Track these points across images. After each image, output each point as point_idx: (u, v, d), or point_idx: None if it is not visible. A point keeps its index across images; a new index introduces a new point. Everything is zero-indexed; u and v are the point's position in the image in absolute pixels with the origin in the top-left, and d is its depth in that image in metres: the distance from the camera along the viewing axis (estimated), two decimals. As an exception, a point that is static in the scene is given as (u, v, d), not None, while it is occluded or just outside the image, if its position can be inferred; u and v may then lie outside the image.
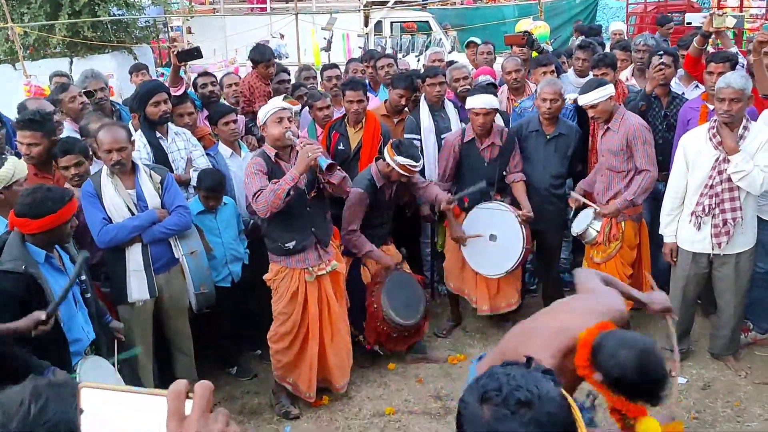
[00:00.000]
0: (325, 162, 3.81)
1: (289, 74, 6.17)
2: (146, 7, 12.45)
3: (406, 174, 4.37)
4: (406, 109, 5.31)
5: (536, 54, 5.72)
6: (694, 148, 4.09)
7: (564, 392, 1.28)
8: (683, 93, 5.01)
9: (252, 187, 3.79)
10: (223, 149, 4.73)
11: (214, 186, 4.34)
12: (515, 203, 4.77)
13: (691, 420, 3.95)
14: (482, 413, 1.25)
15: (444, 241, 5.22)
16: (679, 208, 4.24)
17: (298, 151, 3.79)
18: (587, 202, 4.67)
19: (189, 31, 11.30)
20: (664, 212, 4.32)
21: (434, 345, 4.99)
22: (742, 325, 4.62)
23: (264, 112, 3.89)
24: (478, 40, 7.48)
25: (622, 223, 4.49)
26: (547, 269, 5.37)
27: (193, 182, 4.39)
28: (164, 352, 4.17)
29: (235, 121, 4.72)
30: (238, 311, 4.53)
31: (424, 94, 5.23)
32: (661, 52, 4.91)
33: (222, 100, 5.39)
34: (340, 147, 4.87)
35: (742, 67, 4.95)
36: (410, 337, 4.68)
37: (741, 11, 11.86)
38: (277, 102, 3.98)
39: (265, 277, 4.11)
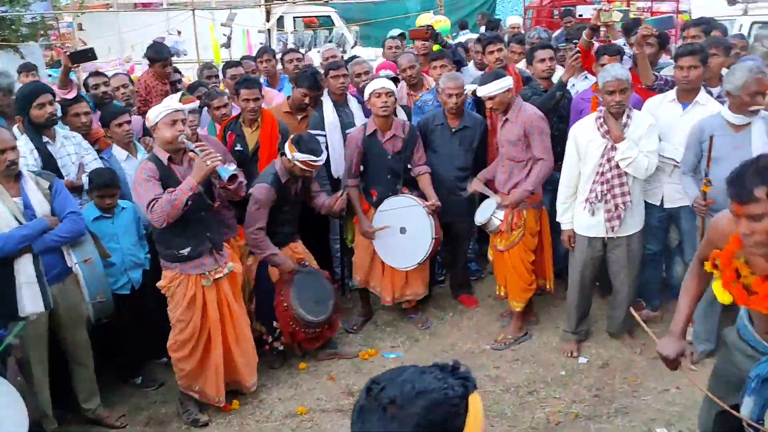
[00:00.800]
0: (226, 173, 3.77)
1: (180, 74, 6.01)
2: (32, 3, 11.75)
3: (308, 169, 4.34)
4: (310, 106, 5.26)
5: (438, 47, 5.81)
6: (585, 138, 4.27)
7: (470, 400, 1.25)
8: (573, 84, 5.20)
9: (145, 195, 3.65)
10: (118, 152, 4.53)
11: (105, 183, 4.15)
12: (424, 196, 4.83)
13: (593, 398, 4.13)
14: (363, 403, 1.27)
15: (353, 237, 5.23)
16: (573, 196, 4.41)
17: (192, 157, 3.70)
18: (486, 191, 4.78)
19: (80, 28, 10.78)
20: (559, 201, 4.49)
21: (345, 341, 5.00)
22: (635, 305, 4.87)
23: (155, 113, 3.74)
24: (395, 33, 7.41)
25: (524, 212, 4.62)
26: (455, 259, 5.47)
27: (86, 187, 4.19)
28: (62, 366, 3.97)
29: (128, 122, 4.53)
30: (140, 319, 4.36)
31: (327, 89, 5.21)
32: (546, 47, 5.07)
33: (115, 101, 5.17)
34: (237, 148, 4.77)
35: (630, 58, 5.21)
36: (322, 334, 4.66)
37: (628, 5, 12.47)
38: (169, 102, 3.83)
39: (159, 284, 3.97)
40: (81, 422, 4.11)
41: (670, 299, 5.03)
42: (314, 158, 4.28)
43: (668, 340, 2.76)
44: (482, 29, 10.27)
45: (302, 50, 9.05)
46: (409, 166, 4.90)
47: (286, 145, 4.34)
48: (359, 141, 4.79)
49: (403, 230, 4.75)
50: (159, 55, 5.72)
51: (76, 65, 4.89)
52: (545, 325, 5.02)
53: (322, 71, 5.41)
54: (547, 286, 4.92)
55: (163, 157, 3.78)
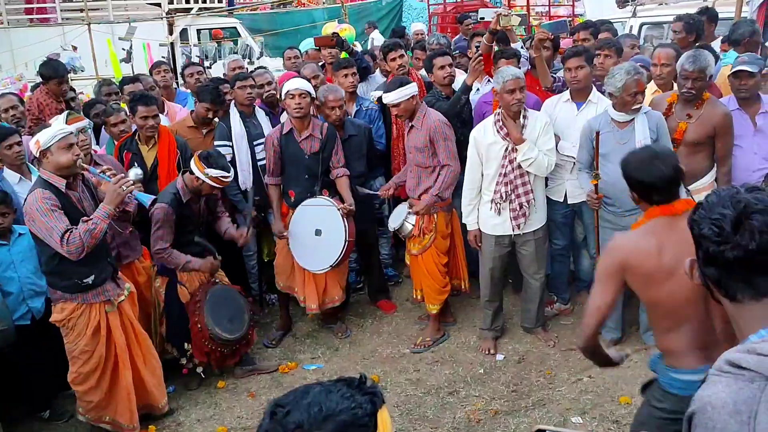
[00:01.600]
0: (147, 198, 3.79)
1: (74, 91, 5.78)
2: None
3: (218, 186, 4.26)
4: (215, 119, 5.15)
5: (345, 54, 5.83)
6: (485, 141, 4.38)
7: (379, 416, 1.23)
8: (478, 89, 5.33)
9: (56, 226, 3.44)
10: (10, 175, 4.29)
11: None
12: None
13: (511, 393, 4.23)
14: (267, 427, 1.22)
15: (270, 250, 5.18)
16: (477, 198, 4.52)
17: (95, 182, 3.60)
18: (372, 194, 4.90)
19: (-33, 46, 10.18)
20: (464, 203, 4.59)
21: (264, 355, 4.92)
22: (546, 299, 5.03)
23: (48, 137, 3.52)
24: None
25: (435, 216, 4.69)
26: (370, 265, 5.49)
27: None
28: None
29: (19, 143, 4.30)
30: (44, 349, 4.14)
31: (233, 100, 5.13)
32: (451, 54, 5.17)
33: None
34: (135, 166, 4.62)
35: (526, 60, 5.39)
36: (238, 350, 4.57)
37: (527, 9, 12.91)
38: (61, 124, 3.64)
39: (54, 319, 3.75)
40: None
41: (579, 291, 5.24)
42: (225, 174, 4.22)
43: None
44: (371, 37, 10.38)
45: (207, 63, 8.90)
46: (329, 166, 4.87)
47: (193, 162, 4.24)
48: (275, 140, 4.77)
49: (318, 232, 4.73)
50: (54, 72, 5.48)
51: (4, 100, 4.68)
52: (462, 325, 5.10)
53: (228, 83, 5.34)
54: (462, 286, 5.00)
55: (60, 183, 3.58)
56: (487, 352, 4.69)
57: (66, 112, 4.45)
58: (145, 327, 4.47)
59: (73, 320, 3.71)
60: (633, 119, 4.07)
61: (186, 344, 4.42)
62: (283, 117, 5.10)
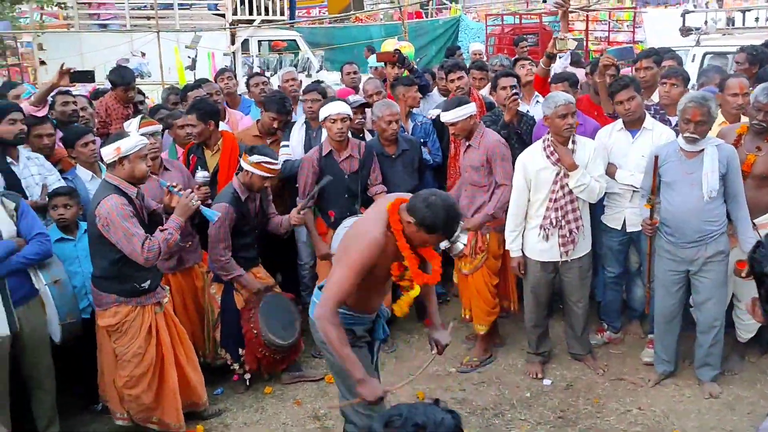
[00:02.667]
0: (214, 215, 3.97)
1: (143, 95, 5.95)
2: (-10, 22, 11.57)
3: (266, 174, 4.31)
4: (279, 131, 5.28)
5: (406, 72, 5.91)
6: (534, 167, 4.34)
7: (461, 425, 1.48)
8: (528, 110, 5.34)
9: (136, 233, 3.56)
10: (83, 172, 4.47)
11: (59, 192, 4.11)
12: None
13: (557, 419, 4.18)
14: None
15: None
16: (522, 224, 4.47)
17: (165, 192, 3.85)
18: None
19: (40, 48, 10.60)
20: (508, 229, 4.51)
21: (311, 364, 4.96)
22: (597, 326, 4.96)
23: (130, 145, 3.63)
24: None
25: (487, 235, 4.68)
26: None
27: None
28: (20, 392, 3.86)
29: (93, 142, 4.48)
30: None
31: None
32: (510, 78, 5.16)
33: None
34: (199, 170, 4.75)
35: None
36: (288, 357, 4.63)
37: (586, 34, 12.84)
38: (136, 136, 3.75)
39: (106, 323, 3.80)
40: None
41: (631, 321, 5.16)
42: (269, 160, 4.26)
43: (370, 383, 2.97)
44: (370, 60, 10.44)
45: (267, 73, 9.07)
46: (367, 185, 4.93)
47: (241, 158, 4.34)
48: (314, 161, 4.80)
49: None
50: (122, 79, 5.66)
51: (73, 84, 4.85)
52: (510, 348, 5.07)
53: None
54: (512, 308, 4.97)
55: (131, 191, 3.71)
56: (534, 376, 4.65)
57: (140, 116, 4.63)
58: (200, 332, 4.60)
59: (127, 323, 3.79)
60: (702, 150, 4.00)
61: (240, 350, 4.50)
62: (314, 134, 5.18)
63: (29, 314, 3.71)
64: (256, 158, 4.22)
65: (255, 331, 4.36)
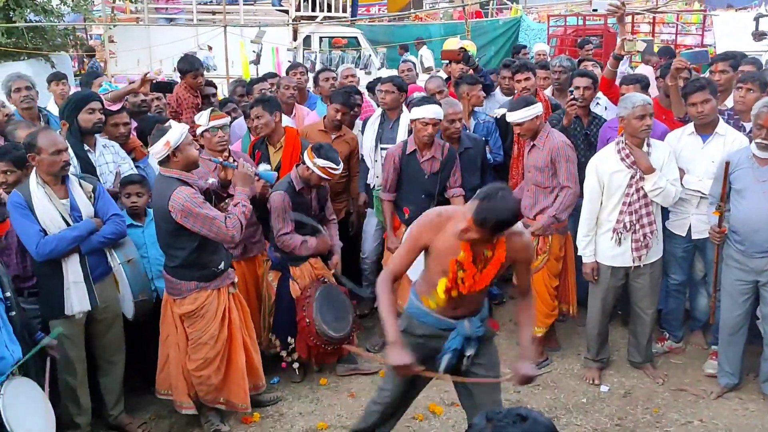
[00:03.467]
0: (270, 174, 4.11)
1: (215, 87, 6.07)
2: (65, 14, 11.98)
3: (326, 177, 4.38)
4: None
5: (472, 70, 5.90)
6: (608, 169, 4.28)
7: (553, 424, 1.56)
8: (599, 103, 5.26)
9: (216, 215, 3.66)
10: (154, 162, 4.61)
11: (130, 179, 4.26)
12: None
13: (615, 427, 4.12)
14: (486, 427, 1.51)
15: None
16: (595, 228, 4.41)
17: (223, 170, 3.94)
18: None
19: (111, 40, 10.95)
20: (581, 234, 4.47)
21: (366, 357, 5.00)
22: (658, 335, 4.86)
23: (177, 135, 3.67)
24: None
25: (549, 237, 4.64)
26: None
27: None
28: (91, 366, 4.02)
29: None
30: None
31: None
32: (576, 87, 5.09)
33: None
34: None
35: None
36: (340, 349, 4.68)
37: (653, 36, 12.53)
38: (178, 126, 3.77)
39: (185, 311, 3.88)
40: (103, 427, 4.14)
41: (693, 331, 5.04)
42: (333, 165, 4.33)
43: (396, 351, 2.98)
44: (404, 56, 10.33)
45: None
46: (446, 186, 4.92)
47: (306, 152, 4.41)
48: (396, 158, 4.84)
49: None
50: (191, 66, 5.77)
51: (152, 93, 5.07)
52: (567, 352, 5.01)
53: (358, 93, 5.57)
54: (570, 312, 4.91)
55: (192, 179, 3.79)
56: (591, 382, 4.59)
57: (210, 108, 4.74)
58: (255, 319, 4.69)
59: (206, 307, 3.89)
60: (777, 157, 3.88)
61: (290, 338, 4.57)
62: (401, 131, 5.20)
63: (105, 291, 3.86)
64: (320, 162, 4.30)
65: (308, 320, 4.43)
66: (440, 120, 4.72)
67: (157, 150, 3.68)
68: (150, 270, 4.29)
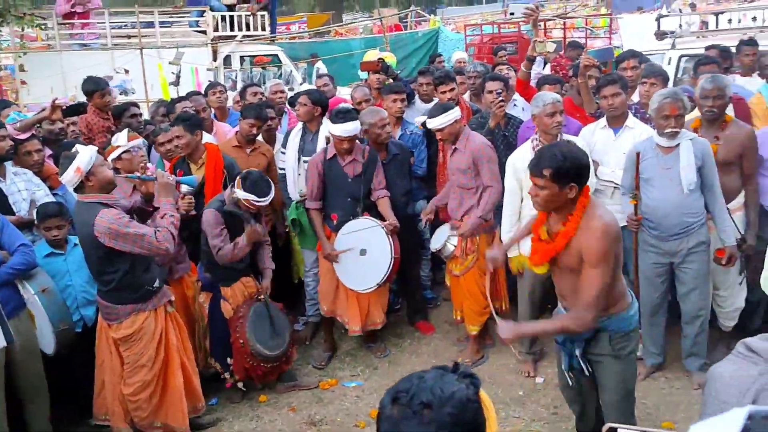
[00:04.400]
0: (190, 180, 4.04)
1: (138, 107, 5.96)
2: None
3: (250, 208, 4.37)
4: (259, 138, 5.35)
5: (391, 79, 5.99)
6: (525, 166, 4.41)
7: (481, 395, 1.38)
8: (516, 105, 5.44)
9: (145, 232, 3.58)
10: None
11: (50, 213, 4.11)
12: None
13: (551, 415, 4.24)
14: (392, 413, 1.34)
15: (301, 271, 5.29)
16: (517, 224, 4.56)
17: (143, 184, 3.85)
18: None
19: (21, 69, 10.58)
20: (504, 230, 4.60)
21: (305, 372, 5.00)
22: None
23: (87, 159, 3.60)
24: None
25: (477, 237, 4.74)
26: (409, 286, 5.55)
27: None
28: (11, 407, 3.85)
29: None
30: (94, 356, 4.27)
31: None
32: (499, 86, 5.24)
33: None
34: None
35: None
36: (279, 367, 4.65)
37: (564, 41, 13.01)
38: (86, 149, 3.71)
39: (124, 335, 3.81)
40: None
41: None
42: (256, 199, 4.29)
43: None
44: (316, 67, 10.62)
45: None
46: (370, 189, 4.98)
47: (236, 181, 4.38)
48: (319, 164, 4.87)
49: (363, 252, 4.81)
50: (96, 85, 5.65)
51: (64, 119, 4.91)
52: (501, 347, 5.10)
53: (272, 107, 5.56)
54: (502, 308, 5.02)
55: (111, 199, 3.72)
56: (526, 375, 4.71)
57: (126, 129, 4.66)
58: (191, 341, 4.60)
59: (144, 329, 3.82)
60: (678, 145, 4.10)
61: (229, 359, 4.52)
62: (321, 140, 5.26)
63: (20, 326, 3.73)
64: (242, 194, 4.26)
65: (242, 341, 4.38)
66: (353, 136, 4.77)
67: (69, 178, 3.59)
68: (75, 298, 4.17)
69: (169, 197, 3.78)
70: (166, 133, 4.98)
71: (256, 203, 4.32)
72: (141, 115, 5.85)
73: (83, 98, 6.60)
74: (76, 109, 5.07)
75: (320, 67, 11.71)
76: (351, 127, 4.73)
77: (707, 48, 6.20)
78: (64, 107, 4.80)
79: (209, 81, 9.40)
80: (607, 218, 2.97)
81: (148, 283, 3.81)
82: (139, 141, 4.58)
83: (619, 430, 1.29)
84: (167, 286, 4.21)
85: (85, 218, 3.60)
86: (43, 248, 4.12)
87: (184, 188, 4.58)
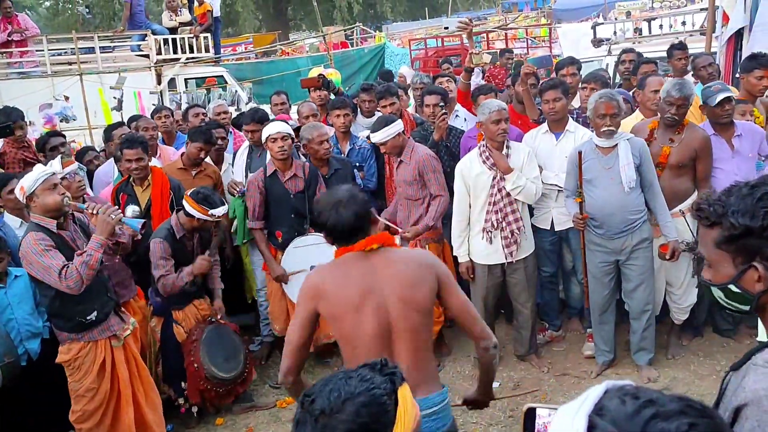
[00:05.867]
0: (136, 222, 3.86)
1: (63, 137, 5.82)
2: None
3: (206, 218, 4.30)
4: (208, 160, 5.30)
5: (333, 95, 6.02)
6: (472, 173, 4.51)
7: (400, 393, 1.33)
8: (461, 117, 5.53)
9: (52, 264, 3.51)
10: (11, 219, 4.36)
11: None
12: None
13: (508, 419, 4.28)
14: (297, 417, 1.34)
15: (254, 290, 5.25)
16: (467, 229, 4.62)
17: (87, 215, 3.73)
18: (391, 225, 4.92)
19: (-42, 99, 10.28)
20: (454, 235, 4.67)
21: (261, 392, 4.93)
22: (538, 326, 5.11)
23: (31, 182, 3.59)
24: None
25: (426, 246, 4.78)
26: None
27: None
28: None
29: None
30: (42, 390, 4.14)
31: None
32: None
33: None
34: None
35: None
36: (235, 389, 4.59)
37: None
38: (42, 167, 3.71)
39: (60, 360, 3.77)
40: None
41: (570, 318, 5.33)
42: (207, 209, 4.25)
43: None
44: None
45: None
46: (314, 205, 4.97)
47: (184, 199, 4.33)
48: (260, 182, 4.85)
49: (312, 269, 4.77)
50: (7, 117, 5.50)
51: None
52: (457, 355, 5.15)
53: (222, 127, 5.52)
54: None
55: (50, 224, 3.65)
56: (482, 380, 4.73)
57: (59, 156, 4.56)
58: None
59: (80, 359, 3.74)
60: (616, 145, 4.22)
61: (183, 383, 4.44)
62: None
63: None
64: (192, 210, 4.22)
65: (196, 365, 4.31)
66: (289, 134, 4.78)
67: (17, 194, 3.66)
68: (19, 331, 4.03)
69: (102, 234, 3.65)
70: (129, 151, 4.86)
71: (210, 215, 4.25)
72: (64, 144, 5.66)
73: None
74: (2, 131, 4.90)
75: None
76: (279, 126, 4.78)
77: (623, 52, 6.48)
78: None
79: (153, 104, 9.32)
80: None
81: (81, 315, 3.71)
82: (74, 166, 4.48)
83: (537, 409, 1.31)
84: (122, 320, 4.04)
85: (22, 237, 3.63)
86: (-19, 281, 3.98)
87: (129, 212, 4.51)
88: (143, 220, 4.01)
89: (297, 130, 5.41)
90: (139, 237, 4.24)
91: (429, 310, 2.50)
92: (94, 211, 3.73)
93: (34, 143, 5.80)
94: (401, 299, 2.40)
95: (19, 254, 3.57)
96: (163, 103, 9.17)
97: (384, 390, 1.32)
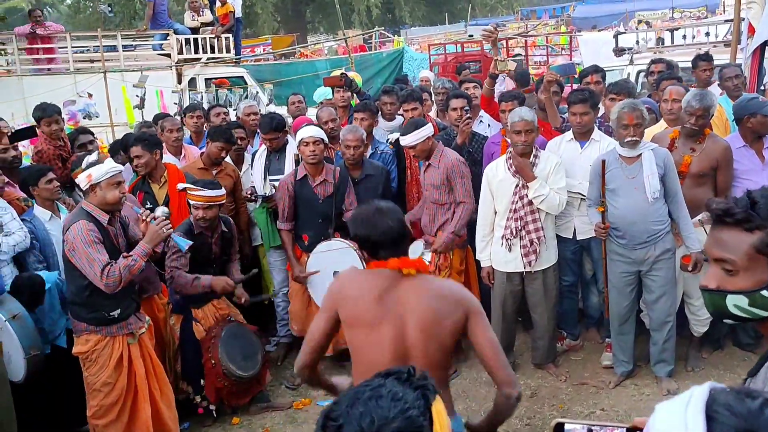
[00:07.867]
0: (185, 243, 3.98)
1: (92, 134, 5.89)
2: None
3: (203, 203, 4.36)
4: (228, 159, 5.34)
5: (355, 95, 6.04)
6: (496, 179, 4.52)
7: (434, 409, 1.20)
8: (487, 124, 5.53)
9: (97, 258, 3.56)
10: (41, 212, 4.42)
11: (31, 300, 3.97)
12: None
13: (525, 426, 4.27)
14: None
15: (272, 293, 5.26)
16: (490, 234, 4.62)
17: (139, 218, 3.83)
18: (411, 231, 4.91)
19: (-19, 95, 10.40)
20: (477, 239, 4.68)
21: (278, 392, 4.95)
22: (557, 335, 5.10)
23: (101, 172, 3.67)
24: None
25: (450, 252, 4.78)
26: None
27: (4, 248, 4.05)
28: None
29: (56, 179, 4.48)
30: (65, 382, 4.17)
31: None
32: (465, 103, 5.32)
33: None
34: (147, 205, 4.74)
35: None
36: (252, 388, 4.61)
37: (526, 60, 13.27)
38: (112, 163, 3.81)
39: (76, 351, 3.81)
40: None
41: (588, 328, 5.31)
42: (200, 188, 4.34)
43: None
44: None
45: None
46: (342, 210, 4.97)
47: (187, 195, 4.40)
48: (290, 185, 4.87)
49: (335, 274, 4.79)
50: (43, 112, 5.53)
51: (12, 145, 4.81)
52: (474, 362, 5.12)
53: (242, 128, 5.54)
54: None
55: (103, 218, 3.72)
56: (500, 387, 4.72)
57: (97, 152, 4.61)
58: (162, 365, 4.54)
59: (97, 352, 3.78)
60: (640, 155, 4.21)
61: (202, 381, 4.46)
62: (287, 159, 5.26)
63: None
64: (191, 189, 4.33)
65: (213, 361, 4.35)
66: (321, 138, 4.80)
67: (81, 180, 3.72)
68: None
69: (151, 245, 3.74)
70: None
71: (202, 194, 4.33)
72: (92, 141, 5.72)
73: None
74: (24, 133, 4.96)
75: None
76: (313, 130, 4.83)
77: (652, 62, 6.42)
78: (9, 133, 4.70)
79: (175, 103, 9.38)
80: None
81: (106, 310, 3.76)
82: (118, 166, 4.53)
83: (566, 424, 1.25)
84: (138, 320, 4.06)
85: (69, 221, 3.69)
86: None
87: (159, 213, 4.53)
88: (191, 242, 4.09)
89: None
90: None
91: (449, 346, 2.43)
92: (148, 219, 3.80)
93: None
94: (423, 331, 2.34)
95: (65, 237, 3.63)
96: (184, 102, 9.21)
97: (419, 409, 1.18)
